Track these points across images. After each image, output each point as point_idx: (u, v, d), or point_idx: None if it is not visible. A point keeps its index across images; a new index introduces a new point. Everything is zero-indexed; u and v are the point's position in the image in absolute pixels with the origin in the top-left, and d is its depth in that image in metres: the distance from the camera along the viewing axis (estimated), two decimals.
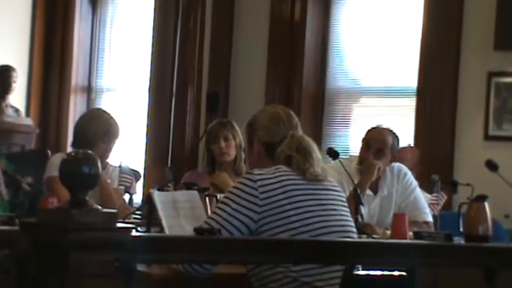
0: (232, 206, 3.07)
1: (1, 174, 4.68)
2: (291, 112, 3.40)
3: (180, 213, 3.58)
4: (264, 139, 3.31)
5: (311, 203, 3.13)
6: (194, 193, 3.77)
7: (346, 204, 3.29)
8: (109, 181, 4.66)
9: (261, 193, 3.07)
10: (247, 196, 3.07)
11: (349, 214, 3.27)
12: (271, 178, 3.11)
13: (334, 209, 3.19)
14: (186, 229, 3.47)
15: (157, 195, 3.58)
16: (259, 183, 3.09)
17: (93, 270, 2.11)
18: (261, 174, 3.12)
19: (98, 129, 4.66)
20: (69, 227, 2.09)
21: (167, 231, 3.47)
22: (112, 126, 4.71)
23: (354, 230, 3.27)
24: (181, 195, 3.72)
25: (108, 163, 4.77)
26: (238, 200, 3.08)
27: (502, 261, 2.82)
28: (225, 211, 3.08)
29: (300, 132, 3.34)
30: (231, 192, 3.13)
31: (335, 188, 3.26)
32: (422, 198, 4.91)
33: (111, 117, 4.84)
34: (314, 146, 3.27)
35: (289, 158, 3.21)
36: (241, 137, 5.11)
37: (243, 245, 2.57)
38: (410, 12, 6.91)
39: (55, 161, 4.60)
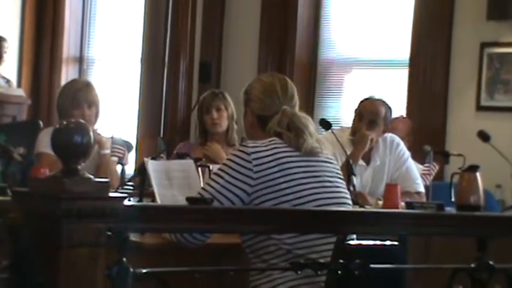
0: (225, 178, 3.07)
1: None
2: (288, 83, 3.33)
3: (173, 183, 3.58)
4: (257, 111, 3.28)
5: (305, 175, 3.12)
6: (190, 162, 3.77)
7: (341, 176, 3.28)
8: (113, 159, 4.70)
9: (255, 166, 3.07)
10: (241, 169, 3.07)
11: (344, 186, 3.27)
12: (265, 151, 3.10)
13: (329, 181, 3.18)
14: (178, 199, 3.48)
15: (150, 164, 3.59)
16: (253, 155, 3.08)
17: (86, 239, 2.11)
18: (255, 146, 3.11)
19: (66, 98, 4.70)
20: (61, 196, 2.09)
21: (158, 201, 3.47)
22: (78, 91, 4.70)
23: (350, 202, 3.27)
24: (176, 164, 3.73)
25: (100, 134, 4.77)
26: (232, 172, 3.07)
27: (494, 231, 2.83)
28: (218, 183, 3.08)
29: (296, 104, 3.30)
30: (225, 164, 3.13)
31: (330, 160, 3.25)
32: (415, 168, 4.92)
33: (80, 83, 4.92)
34: (307, 121, 3.22)
35: (280, 135, 3.19)
36: (233, 108, 5.11)
37: (236, 215, 2.57)
38: None
39: (43, 136, 4.63)
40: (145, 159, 3.69)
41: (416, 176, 4.88)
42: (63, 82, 8.52)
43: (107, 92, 7.95)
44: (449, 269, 2.72)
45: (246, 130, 3.37)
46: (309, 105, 7.13)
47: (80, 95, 4.67)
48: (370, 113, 4.85)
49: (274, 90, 3.28)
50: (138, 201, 3.68)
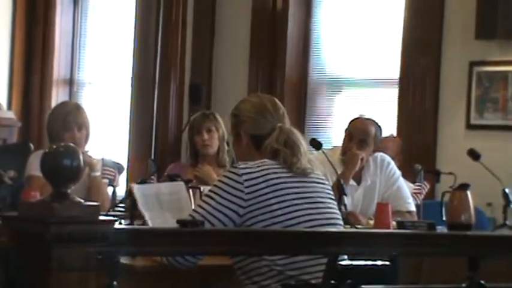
0: (217, 200, 3.06)
1: None
2: (277, 101, 3.35)
3: (163, 205, 3.57)
4: (252, 131, 3.26)
5: (297, 196, 3.11)
6: (180, 184, 3.76)
7: (333, 196, 3.28)
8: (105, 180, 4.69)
9: (246, 187, 3.06)
10: (233, 190, 3.06)
11: (336, 207, 3.26)
12: (256, 172, 3.09)
13: (321, 202, 3.18)
14: (169, 221, 3.46)
15: (137, 189, 3.57)
16: (244, 177, 3.08)
17: (76, 263, 2.10)
18: (246, 168, 3.10)
19: (56, 121, 4.70)
20: (51, 220, 2.08)
21: (150, 224, 3.46)
22: (69, 114, 4.69)
23: (341, 222, 3.27)
24: (166, 187, 3.71)
25: (90, 156, 4.76)
26: (223, 194, 3.07)
27: (485, 250, 2.83)
28: (209, 205, 3.07)
29: (287, 121, 3.31)
30: (216, 186, 3.12)
31: (321, 181, 3.25)
32: (405, 187, 4.92)
33: (70, 105, 4.92)
34: (301, 139, 3.24)
35: (276, 152, 3.19)
36: (224, 129, 5.10)
37: (227, 236, 2.57)
38: (392, 2, 6.91)
39: (34, 159, 4.62)
40: (132, 184, 3.67)
41: (408, 195, 4.88)
42: (53, 104, 8.49)
43: (98, 114, 7.95)
44: None
45: (239, 154, 3.33)
46: (300, 125, 7.12)
47: (70, 118, 4.67)
48: (360, 132, 4.85)
49: (265, 108, 3.28)
50: (129, 224, 3.67)
